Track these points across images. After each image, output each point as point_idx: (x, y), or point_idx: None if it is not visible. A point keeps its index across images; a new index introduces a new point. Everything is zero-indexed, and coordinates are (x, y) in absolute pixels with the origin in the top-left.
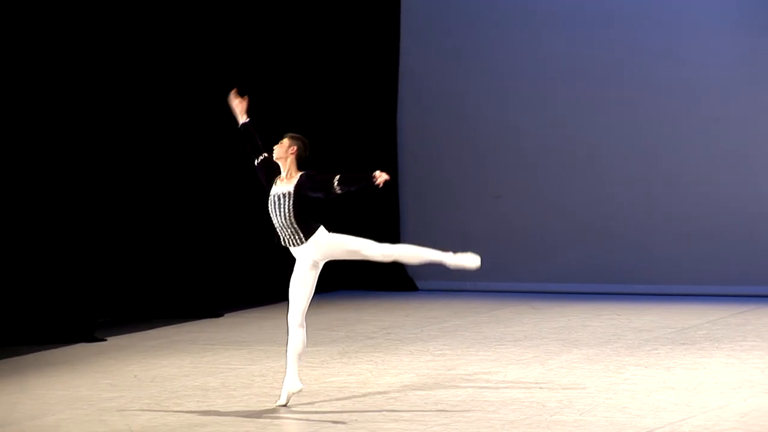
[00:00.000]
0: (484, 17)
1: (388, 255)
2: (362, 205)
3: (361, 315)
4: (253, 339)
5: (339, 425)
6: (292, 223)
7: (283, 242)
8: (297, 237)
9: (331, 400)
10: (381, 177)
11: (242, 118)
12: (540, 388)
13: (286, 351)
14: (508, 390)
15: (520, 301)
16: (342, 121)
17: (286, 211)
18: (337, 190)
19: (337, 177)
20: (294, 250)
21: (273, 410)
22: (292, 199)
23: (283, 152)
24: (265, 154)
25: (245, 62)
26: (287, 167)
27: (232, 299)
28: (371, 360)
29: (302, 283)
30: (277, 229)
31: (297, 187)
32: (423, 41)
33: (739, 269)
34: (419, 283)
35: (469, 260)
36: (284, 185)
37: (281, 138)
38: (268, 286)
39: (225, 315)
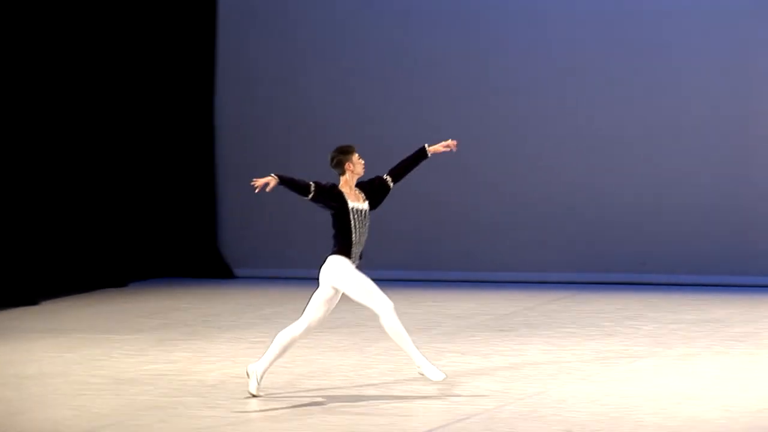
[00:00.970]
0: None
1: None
2: (178, 191)
3: (178, 303)
4: (71, 327)
5: (156, 411)
6: (365, 239)
7: (353, 255)
8: (362, 250)
9: (148, 387)
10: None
11: (274, 181)
12: (358, 375)
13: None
14: (325, 378)
15: None
16: (158, 112)
17: (365, 223)
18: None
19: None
20: (354, 263)
21: (90, 397)
22: (369, 213)
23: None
24: (312, 185)
25: (64, 53)
26: (352, 182)
27: (50, 287)
28: (189, 348)
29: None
30: (355, 245)
31: (369, 200)
32: (243, 31)
33: (557, 256)
34: (236, 271)
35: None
36: (359, 201)
37: (350, 154)
38: (85, 274)
39: (42, 303)
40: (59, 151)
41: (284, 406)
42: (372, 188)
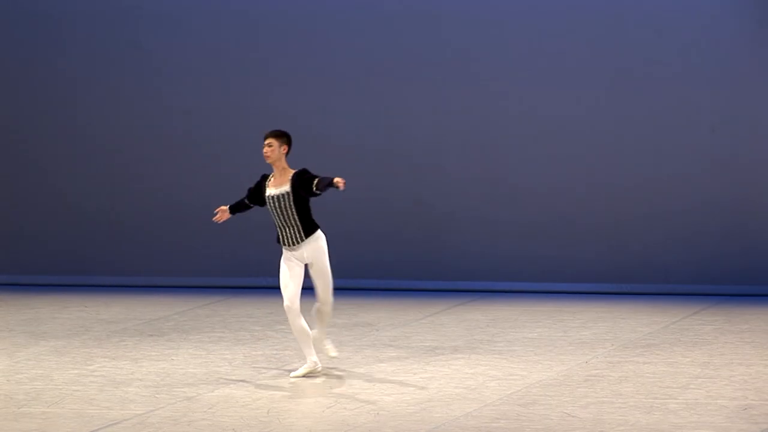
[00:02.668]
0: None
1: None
2: None
3: None
4: None
5: None
6: (295, 221)
7: (283, 241)
8: (298, 235)
9: None
10: (341, 182)
11: (227, 213)
12: (8, 380)
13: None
14: None
15: None
16: None
17: (288, 208)
18: (316, 190)
19: (316, 180)
20: (291, 249)
21: None
22: (291, 197)
23: (277, 154)
24: (248, 192)
25: None
26: (281, 167)
27: None
28: None
29: (297, 275)
30: (278, 228)
31: (292, 185)
32: None
33: (207, 261)
34: None
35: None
36: (279, 186)
37: (265, 138)
38: None
39: None
40: None
41: None
42: (301, 181)
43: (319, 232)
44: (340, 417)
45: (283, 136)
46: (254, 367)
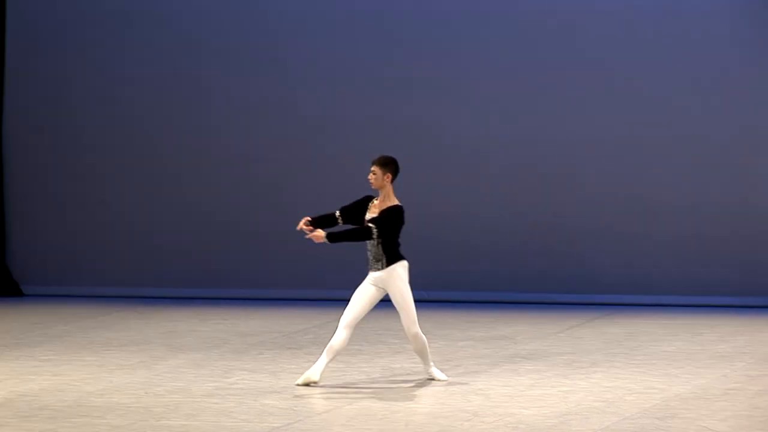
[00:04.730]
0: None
1: (414, 335)
2: None
3: None
4: None
5: None
6: (376, 248)
7: (367, 264)
8: (379, 263)
9: None
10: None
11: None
12: (146, 393)
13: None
14: (113, 395)
15: (126, 307)
16: None
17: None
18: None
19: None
20: (372, 273)
21: None
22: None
23: (380, 182)
24: (338, 213)
25: None
26: (384, 194)
27: None
28: None
29: (363, 295)
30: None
31: (380, 213)
32: (30, 60)
33: (335, 273)
34: (24, 288)
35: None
36: (375, 211)
37: (371, 165)
38: None
39: None
40: None
41: (67, 426)
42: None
43: (402, 262)
44: (479, 430)
45: (387, 165)
46: (392, 380)
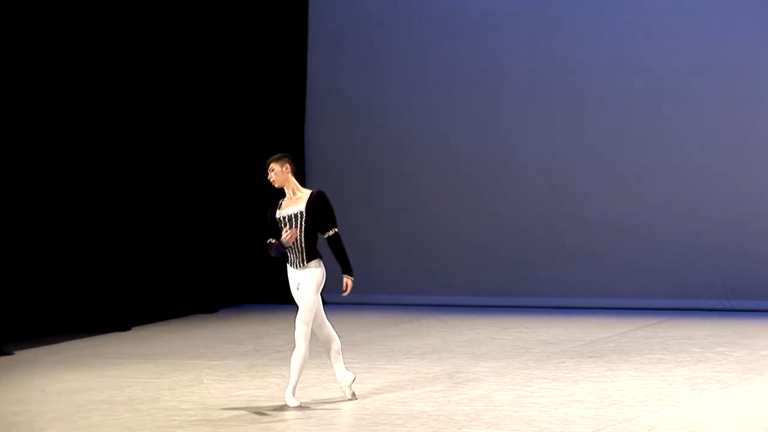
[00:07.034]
0: (394, 26)
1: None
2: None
3: (268, 328)
4: (161, 353)
5: None
6: (301, 244)
7: (288, 262)
8: (300, 259)
9: (240, 412)
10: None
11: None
12: (448, 401)
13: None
14: (415, 403)
15: (427, 315)
16: (249, 135)
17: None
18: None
19: (334, 230)
20: (291, 271)
21: (180, 424)
22: (304, 217)
23: (281, 176)
24: (272, 240)
25: (156, 73)
26: (290, 187)
27: (140, 313)
28: (279, 373)
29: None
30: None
31: (308, 205)
32: (331, 52)
33: (647, 282)
34: (326, 296)
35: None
36: (294, 205)
37: (267, 167)
38: (175, 300)
39: (132, 328)
40: (152, 178)
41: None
42: (316, 208)
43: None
44: None
45: (281, 158)
46: (694, 389)
